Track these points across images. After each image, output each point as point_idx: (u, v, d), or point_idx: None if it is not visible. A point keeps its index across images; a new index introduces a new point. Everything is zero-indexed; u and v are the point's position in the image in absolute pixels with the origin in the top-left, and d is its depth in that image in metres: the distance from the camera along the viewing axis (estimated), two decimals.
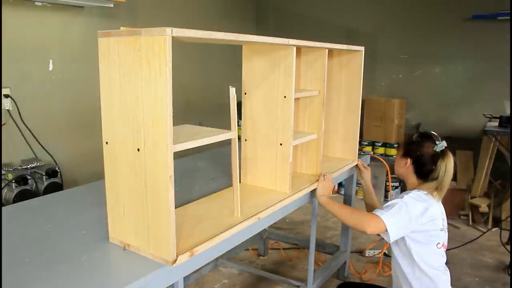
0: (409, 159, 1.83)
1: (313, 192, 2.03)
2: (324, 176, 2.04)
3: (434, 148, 1.75)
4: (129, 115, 1.24)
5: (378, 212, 1.68)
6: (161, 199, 1.21)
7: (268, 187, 1.95)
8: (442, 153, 1.75)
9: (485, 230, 3.54)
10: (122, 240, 1.35)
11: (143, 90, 1.19)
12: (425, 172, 1.78)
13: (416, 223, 1.66)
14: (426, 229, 1.69)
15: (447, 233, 1.78)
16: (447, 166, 1.72)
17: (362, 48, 2.40)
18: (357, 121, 2.48)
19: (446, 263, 1.78)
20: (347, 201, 2.76)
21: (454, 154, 3.96)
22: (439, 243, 1.72)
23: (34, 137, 3.02)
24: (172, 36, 1.11)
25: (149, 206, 1.25)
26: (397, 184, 4.35)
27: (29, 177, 2.79)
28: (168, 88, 1.13)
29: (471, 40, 4.19)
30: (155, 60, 1.13)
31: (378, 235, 1.69)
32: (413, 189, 1.79)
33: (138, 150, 1.23)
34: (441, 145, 1.75)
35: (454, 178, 4.22)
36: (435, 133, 1.89)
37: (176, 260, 1.23)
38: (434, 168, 1.74)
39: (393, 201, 1.70)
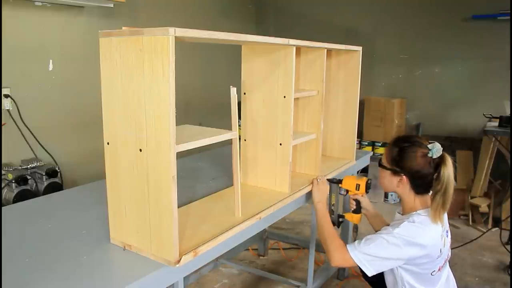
0: (403, 177, 1.54)
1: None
2: (317, 179, 1.95)
3: (429, 155, 1.49)
4: (131, 116, 1.24)
5: (350, 247, 1.50)
6: (164, 200, 1.21)
7: (267, 187, 1.95)
8: (441, 158, 1.48)
9: (485, 230, 3.54)
10: (123, 240, 1.35)
11: (145, 91, 1.18)
12: (425, 186, 1.53)
13: (404, 261, 1.48)
14: (418, 263, 1.50)
15: (448, 246, 1.60)
16: (449, 173, 1.46)
17: (359, 48, 2.40)
18: (355, 121, 2.48)
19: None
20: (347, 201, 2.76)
21: (454, 155, 4.02)
22: (434, 270, 1.53)
23: (34, 137, 3.02)
24: (175, 36, 1.11)
25: (151, 207, 1.25)
26: None
27: (29, 177, 2.79)
28: (171, 88, 1.13)
29: (471, 40, 4.20)
30: (158, 61, 1.13)
31: None
32: (410, 210, 1.57)
33: (140, 150, 1.23)
34: (437, 149, 1.48)
35: (454, 178, 4.23)
36: (417, 135, 1.69)
37: (179, 260, 1.23)
38: (435, 178, 1.49)
39: (374, 236, 1.50)
